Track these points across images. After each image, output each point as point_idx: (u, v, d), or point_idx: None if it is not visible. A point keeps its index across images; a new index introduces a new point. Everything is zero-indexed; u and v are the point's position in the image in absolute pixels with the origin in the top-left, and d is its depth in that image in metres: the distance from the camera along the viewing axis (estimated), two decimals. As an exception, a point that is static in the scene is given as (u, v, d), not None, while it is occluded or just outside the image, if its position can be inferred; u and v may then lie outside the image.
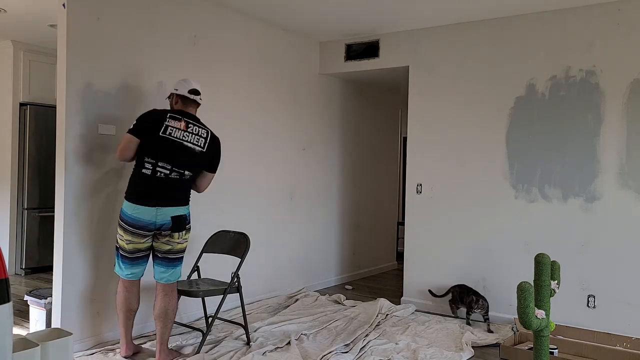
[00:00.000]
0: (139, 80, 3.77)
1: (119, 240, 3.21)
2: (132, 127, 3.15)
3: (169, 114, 3.18)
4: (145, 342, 3.58)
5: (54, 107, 3.66)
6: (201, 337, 3.52)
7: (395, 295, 5.17)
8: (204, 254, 3.93)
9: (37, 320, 3.63)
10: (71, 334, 2.57)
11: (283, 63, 5.02)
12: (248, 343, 3.62)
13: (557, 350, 3.42)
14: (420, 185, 4.81)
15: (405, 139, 7.33)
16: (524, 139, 4.30)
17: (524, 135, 4.30)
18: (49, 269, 5.62)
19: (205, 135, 3.25)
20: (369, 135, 6.25)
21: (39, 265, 5.83)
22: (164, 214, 3.11)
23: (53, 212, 3.48)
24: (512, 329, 4.00)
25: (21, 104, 5.72)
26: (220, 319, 3.85)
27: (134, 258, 3.21)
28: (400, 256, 6.28)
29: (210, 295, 3.52)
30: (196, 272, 3.86)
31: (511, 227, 4.34)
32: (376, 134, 6.39)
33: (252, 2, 4.27)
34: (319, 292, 5.24)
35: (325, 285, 5.60)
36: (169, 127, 3.14)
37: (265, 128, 4.86)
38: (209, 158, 3.29)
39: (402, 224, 5.60)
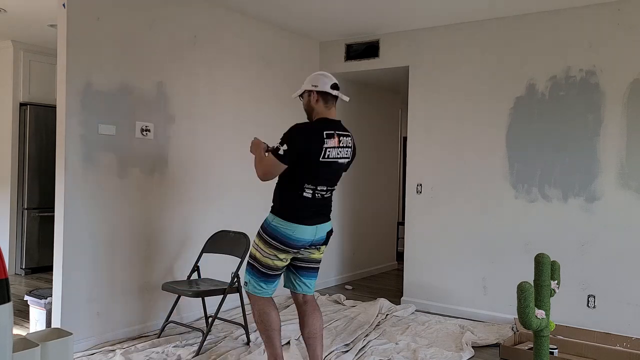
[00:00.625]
0: (139, 80, 3.77)
1: (265, 260, 2.83)
2: (281, 150, 2.72)
3: (325, 133, 2.78)
4: (142, 342, 3.57)
5: (54, 107, 3.66)
6: (201, 337, 3.51)
7: (395, 295, 5.17)
8: (204, 254, 3.92)
9: (37, 320, 3.63)
10: (71, 334, 2.56)
11: (283, 63, 5.02)
12: (248, 343, 3.62)
13: (557, 350, 3.42)
14: (420, 185, 4.81)
15: (405, 139, 7.33)
16: (524, 139, 4.30)
17: (524, 135, 4.30)
18: (49, 269, 5.62)
19: (351, 144, 2.93)
20: (369, 135, 6.25)
21: (39, 265, 5.83)
22: (322, 231, 2.87)
23: (53, 212, 3.48)
24: (512, 329, 4.00)
25: (21, 104, 5.73)
26: (220, 319, 3.83)
27: (280, 274, 2.92)
28: (400, 256, 6.28)
29: (210, 295, 3.52)
30: (196, 272, 3.86)
31: (511, 227, 4.34)
32: (376, 134, 6.38)
33: (253, 2, 4.27)
34: (319, 292, 5.24)
35: (325, 285, 5.60)
36: (327, 149, 2.77)
37: (266, 128, 4.85)
38: (352, 160, 3.02)
39: (402, 224, 5.60)
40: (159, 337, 3.68)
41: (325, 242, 2.94)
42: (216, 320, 3.76)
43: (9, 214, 5.75)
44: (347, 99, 2.98)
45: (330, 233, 2.94)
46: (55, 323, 3.40)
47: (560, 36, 4.15)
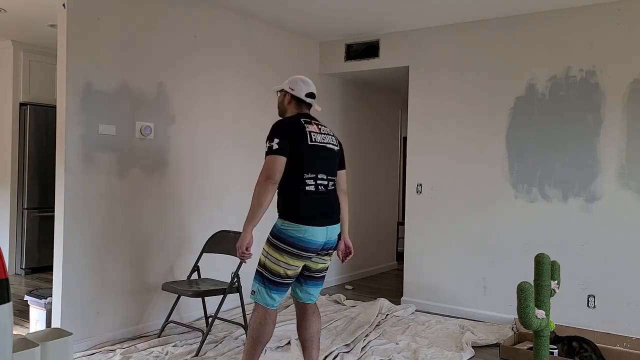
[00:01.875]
0: (139, 80, 3.77)
1: (275, 268, 2.73)
2: (274, 146, 2.69)
3: (301, 120, 2.80)
4: (142, 342, 3.57)
5: (54, 107, 3.67)
6: (201, 337, 3.51)
7: (395, 295, 5.17)
8: (204, 254, 3.92)
9: (37, 320, 3.63)
10: (71, 334, 2.56)
11: (283, 63, 5.02)
12: None
13: (557, 350, 3.42)
14: (420, 185, 4.81)
15: (405, 139, 7.33)
16: (524, 139, 4.30)
17: (524, 135, 4.30)
18: (49, 269, 5.63)
19: (331, 133, 2.92)
20: (369, 135, 6.25)
21: (39, 265, 5.83)
22: (332, 233, 2.79)
23: (53, 212, 3.48)
24: (512, 329, 4.00)
25: (21, 104, 5.72)
26: (220, 318, 3.82)
27: (290, 283, 2.80)
28: (400, 256, 6.28)
29: (210, 295, 3.50)
30: (196, 272, 3.86)
31: (511, 227, 4.34)
32: (376, 134, 6.38)
33: (253, 2, 4.27)
34: (319, 292, 5.24)
35: (325, 285, 5.60)
36: (312, 133, 2.77)
37: (265, 128, 4.84)
38: (341, 154, 2.99)
39: (402, 224, 5.60)
40: (158, 337, 3.68)
41: (336, 247, 2.88)
42: (216, 320, 3.76)
43: (9, 214, 5.75)
44: (319, 109, 2.99)
45: (339, 237, 2.88)
46: (55, 323, 3.40)
47: (560, 36, 4.15)
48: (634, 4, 3.88)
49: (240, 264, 3.55)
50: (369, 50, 5.13)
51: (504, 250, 4.37)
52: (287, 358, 3.37)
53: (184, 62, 4.09)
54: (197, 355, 3.38)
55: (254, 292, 2.79)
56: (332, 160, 2.86)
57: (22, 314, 4.12)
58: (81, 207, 3.45)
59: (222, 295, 3.54)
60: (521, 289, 2.48)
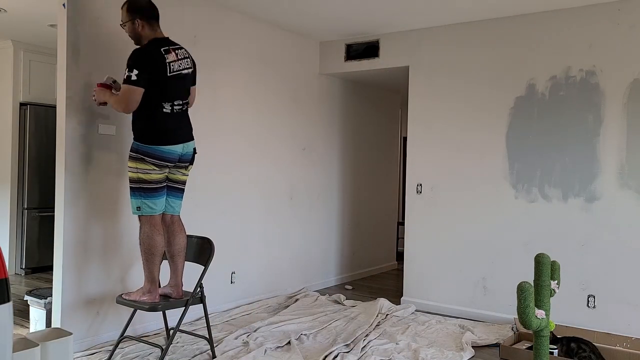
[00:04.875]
0: (139, 80, 3.76)
1: (143, 176, 3.08)
2: (133, 76, 2.93)
3: (162, 50, 3.05)
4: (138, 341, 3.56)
5: (54, 107, 3.66)
6: (160, 353, 3.17)
7: (395, 295, 5.17)
8: (163, 261, 3.42)
9: (37, 320, 3.63)
10: (71, 334, 2.56)
11: (283, 63, 5.02)
12: (213, 357, 3.33)
13: (557, 350, 3.42)
14: (420, 185, 4.81)
15: (405, 139, 7.33)
16: (524, 139, 4.30)
17: (524, 135, 4.30)
18: (49, 269, 5.62)
19: (187, 55, 3.22)
20: (369, 135, 6.25)
21: (39, 265, 5.83)
22: (188, 148, 3.20)
23: (53, 212, 3.48)
24: (512, 329, 4.00)
25: (21, 104, 5.73)
26: (182, 331, 3.51)
27: (163, 187, 3.17)
28: (400, 256, 6.28)
29: (170, 308, 3.22)
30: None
31: (511, 227, 4.34)
32: (376, 134, 6.38)
33: (252, 2, 4.27)
34: (319, 292, 5.24)
35: (325, 285, 5.60)
36: (171, 64, 3.07)
37: (265, 128, 4.86)
38: (194, 73, 3.34)
39: (402, 224, 5.60)
40: (111, 357, 3.26)
41: (191, 161, 3.26)
42: (177, 333, 3.40)
43: (9, 214, 5.75)
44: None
45: (194, 151, 3.27)
46: (55, 323, 3.39)
47: (560, 36, 4.15)
48: (634, 4, 3.88)
49: (204, 272, 3.32)
50: (369, 50, 5.13)
51: (504, 250, 4.37)
52: (288, 358, 3.37)
53: (184, 62, 4.08)
54: None
55: (139, 208, 3.11)
56: (186, 85, 3.20)
57: (22, 314, 4.12)
58: (81, 207, 3.45)
59: (184, 307, 3.20)
60: (521, 289, 2.48)
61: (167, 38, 3.18)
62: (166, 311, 3.53)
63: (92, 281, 3.53)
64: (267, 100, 4.86)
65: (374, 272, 6.36)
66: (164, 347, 3.17)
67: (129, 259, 3.74)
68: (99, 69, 3.52)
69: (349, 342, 3.68)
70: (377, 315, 4.33)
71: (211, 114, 4.32)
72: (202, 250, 3.44)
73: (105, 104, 3.20)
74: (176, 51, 3.12)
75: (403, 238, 5.02)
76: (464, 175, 4.58)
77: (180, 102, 3.15)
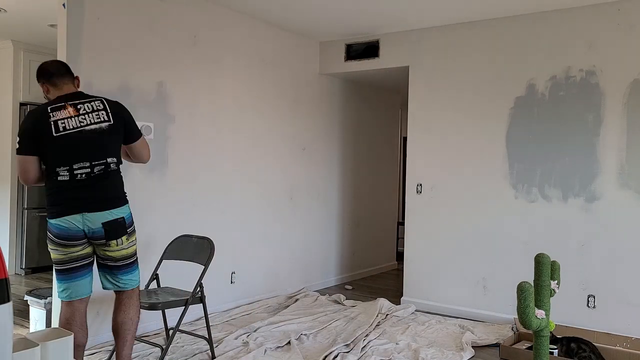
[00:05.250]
0: (139, 80, 3.77)
1: (51, 255, 2.73)
2: (18, 146, 2.63)
3: (48, 108, 2.62)
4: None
5: (54, 107, 3.64)
6: (160, 353, 3.18)
7: (395, 295, 5.17)
8: (163, 260, 3.59)
9: (37, 320, 3.63)
10: (71, 334, 2.56)
11: (283, 63, 5.02)
12: (213, 358, 3.33)
13: (557, 350, 3.42)
14: (420, 185, 4.81)
15: (405, 139, 7.33)
16: (524, 139, 4.30)
17: (524, 135, 4.30)
18: (49, 269, 5.62)
19: (101, 107, 2.69)
20: (369, 135, 6.25)
21: (39, 265, 5.83)
22: (92, 220, 2.63)
23: (53, 212, 3.47)
24: (512, 329, 4.00)
25: (21, 104, 5.72)
26: (182, 331, 3.52)
27: (70, 269, 2.68)
28: (400, 256, 6.28)
29: (170, 307, 3.17)
30: (155, 281, 3.54)
31: (511, 227, 4.34)
32: (376, 134, 6.38)
33: (252, 2, 4.27)
34: (319, 292, 5.24)
35: (325, 285, 5.60)
36: (59, 122, 2.60)
37: (265, 128, 4.86)
38: (121, 126, 2.74)
39: (402, 224, 5.60)
40: (110, 357, 3.25)
41: (111, 237, 2.66)
42: (177, 333, 3.44)
43: (9, 214, 5.75)
44: (74, 74, 2.83)
45: (111, 224, 2.65)
46: (55, 323, 3.39)
47: (560, 36, 4.15)
48: (634, 4, 3.88)
49: (204, 271, 3.31)
50: (369, 50, 5.13)
51: (504, 250, 4.37)
52: (288, 358, 3.36)
53: (184, 62, 4.09)
54: None
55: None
56: (98, 143, 2.64)
57: (22, 314, 4.12)
58: (81, 207, 3.44)
59: (184, 307, 3.19)
60: (521, 289, 2.48)
61: (75, 93, 2.72)
62: (166, 311, 3.52)
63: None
64: (267, 100, 4.86)
65: (374, 272, 6.36)
66: (164, 347, 3.16)
67: (129, 259, 3.73)
68: (99, 69, 3.52)
69: (349, 342, 3.68)
70: (377, 315, 4.33)
71: (211, 114, 4.32)
72: (202, 250, 3.43)
73: None
74: (78, 105, 2.65)
75: (403, 238, 5.02)
76: (464, 175, 4.58)
77: (89, 164, 2.61)
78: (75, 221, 2.62)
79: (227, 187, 4.47)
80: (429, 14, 4.42)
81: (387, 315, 4.41)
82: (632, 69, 3.88)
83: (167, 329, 3.59)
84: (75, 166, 2.60)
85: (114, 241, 2.68)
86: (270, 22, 4.79)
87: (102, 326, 3.58)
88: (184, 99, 4.09)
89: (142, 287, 3.60)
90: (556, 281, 2.81)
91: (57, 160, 2.60)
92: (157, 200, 3.90)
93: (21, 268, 5.77)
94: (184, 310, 3.20)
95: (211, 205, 4.32)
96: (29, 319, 3.75)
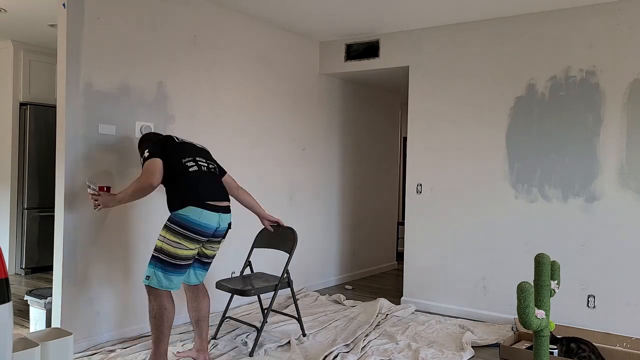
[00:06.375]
0: (139, 80, 3.77)
1: (174, 250, 2.93)
2: (148, 152, 3.02)
3: (172, 135, 3.25)
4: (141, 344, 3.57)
5: (54, 107, 3.66)
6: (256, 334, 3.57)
7: (395, 295, 5.17)
8: (254, 249, 3.99)
9: (37, 320, 3.63)
10: (71, 334, 2.57)
11: (283, 63, 5.02)
12: (304, 335, 3.81)
13: (557, 350, 3.42)
14: (420, 185, 4.81)
15: (405, 139, 7.34)
16: (524, 139, 4.30)
17: (524, 135, 4.30)
18: (49, 269, 5.63)
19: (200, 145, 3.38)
20: (369, 135, 6.25)
21: (39, 265, 5.83)
22: (224, 221, 3.07)
23: (53, 212, 3.49)
24: (512, 329, 4.00)
25: (21, 104, 5.72)
26: (275, 311, 4.06)
27: (188, 265, 3.03)
28: (400, 256, 6.28)
29: (261, 292, 3.55)
30: (249, 267, 3.91)
31: (511, 227, 4.34)
32: (376, 134, 6.39)
33: (253, 2, 4.27)
34: (319, 292, 5.24)
35: (325, 285, 5.60)
36: (176, 137, 3.21)
37: (265, 128, 4.86)
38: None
39: (402, 224, 5.60)
40: (215, 337, 3.70)
41: (224, 236, 3.13)
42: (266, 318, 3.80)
43: (9, 214, 5.75)
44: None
45: (229, 226, 3.12)
46: (55, 323, 3.39)
47: (560, 36, 4.15)
48: (634, 4, 3.88)
49: (289, 259, 3.68)
50: (369, 50, 5.13)
51: (504, 250, 4.37)
52: (288, 358, 3.37)
53: (184, 62, 4.09)
54: (253, 351, 3.43)
55: (149, 277, 2.96)
56: (203, 153, 3.21)
57: (22, 313, 4.12)
58: (81, 207, 3.45)
59: (274, 291, 3.60)
60: (521, 289, 2.48)
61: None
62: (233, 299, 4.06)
63: (92, 281, 3.53)
64: (267, 100, 4.86)
65: (374, 272, 6.36)
66: (258, 327, 3.56)
67: (129, 259, 3.74)
68: (99, 69, 3.52)
69: (349, 342, 3.68)
70: (377, 315, 4.33)
71: (211, 114, 4.32)
72: (286, 239, 3.78)
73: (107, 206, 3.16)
74: (184, 141, 3.24)
75: (403, 238, 5.02)
76: (464, 175, 4.58)
77: (204, 160, 3.15)
78: (213, 219, 2.99)
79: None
80: (429, 14, 4.42)
81: (387, 315, 4.41)
82: (632, 69, 3.89)
83: (262, 310, 4.05)
84: (197, 158, 3.10)
85: (223, 240, 3.17)
86: (270, 22, 4.79)
87: (102, 326, 3.58)
88: (184, 99, 4.09)
89: (237, 273, 4.14)
90: (556, 281, 2.81)
91: (182, 155, 3.07)
92: (157, 200, 3.90)
93: (21, 268, 5.77)
94: (274, 294, 3.59)
95: (211, 205, 4.32)
96: (29, 319, 3.76)
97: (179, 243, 2.92)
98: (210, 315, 3.65)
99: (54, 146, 3.55)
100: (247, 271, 3.86)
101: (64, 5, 3.35)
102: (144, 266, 3.83)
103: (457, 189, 4.61)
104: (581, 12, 4.07)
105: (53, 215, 3.48)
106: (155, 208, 3.90)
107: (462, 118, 4.59)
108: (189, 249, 2.96)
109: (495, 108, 4.43)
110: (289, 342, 3.65)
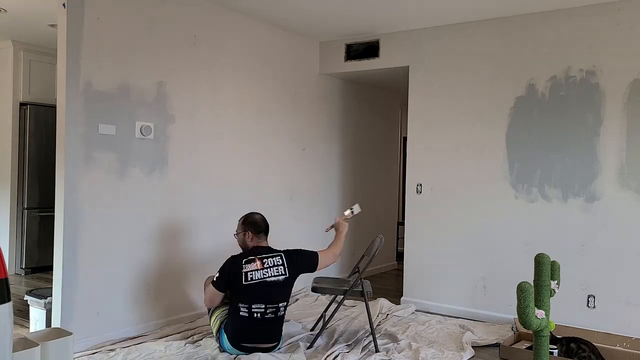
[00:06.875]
0: (139, 80, 3.77)
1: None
2: (215, 279, 3.35)
3: (243, 261, 3.35)
4: (146, 341, 3.57)
5: (54, 107, 3.66)
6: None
7: (395, 295, 5.17)
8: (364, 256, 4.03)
9: (37, 320, 3.63)
10: (71, 333, 2.57)
11: (283, 63, 5.02)
12: (374, 325, 3.76)
13: (557, 350, 3.42)
14: (420, 185, 4.81)
15: (405, 139, 7.33)
16: (524, 139, 4.30)
17: (524, 135, 4.30)
18: (49, 269, 5.62)
19: (281, 262, 3.41)
20: (369, 135, 6.25)
21: (39, 265, 5.83)
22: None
23: (53, 212, 3.48)
24: (512, 329, 4.00)
25: (21, 104, 5.73)
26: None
27: None
28: (400, 256, 6.28)
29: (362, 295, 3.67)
30: (357, 273, 3.92)
31: (511, 227, 4.34)
32: (376, 134, 6.39)
33: (252, 2, 4.27)
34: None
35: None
36: (249, 274, 3.30)
37: (265, 128, 4.86)
38: (296, 273, 3.46)
39: (402, 224, 5.60)
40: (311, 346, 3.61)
41: None
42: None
43: (9, 214, 5.75)
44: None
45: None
46: (55, 323, 3.39)
47: (560, 36, 4.15)
48: (634, 4, 3.88)
49: (369, 261, 3.80)
50: (369, 50, 5.13)
51: (504, 250, 4.37)
52: (288, 358, 3.36)
53: (184, 62, 4.09)
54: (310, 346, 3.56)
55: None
56: (273, 290, 3.34)
57: (22, 313, 4.13)
58: (81, 207, 3.45)
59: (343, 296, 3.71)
60: (521, 289, 2.48)
61: (266, 247, 3.47)
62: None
63: (92, 281, 3.53)
64: (267, 100, 4.86)
65: (374, 272, 6.36)
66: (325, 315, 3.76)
67: (129, 259, 3.74)
68: (99, 69, 3.52)
69: (350, 342, 3.68)
70: (377, 315, 4.33)
71: (211, 114, 4.32)
72: (373, 244, 3.89)
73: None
74: (264, 260, 3.38)
75: (403, 238, 5.02)
76: (464, 175, 4.58)
77: (264, 307, 3.31)
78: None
79: (227, 187, 4.46)
80: (429, 14, 4.42)
81: (387, 315, 4.41)
82: (632, 69, 3.88)
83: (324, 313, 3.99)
84: (254, 306, 3.30)
85: None
86: (270, 22, 4.79)
87: (102, 326, 3.58)
88: (184, 99, 4.09)
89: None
90: (556, 281, 2.81)
91: (241, 299, 3.30)
92: (157, 200, 3.90)
93: (21, 268, 5.77)
94: (342, 297, 3.75)
95: (211, 206, 4.32)
96: (29, 319, 3.76)
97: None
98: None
99: (54, 146, 3.55)
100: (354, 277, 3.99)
101: (64, 5, 3.35)
102: (144, 265, 3.84)
103: (457, 189, 4.61)
104: (581, 12, 4.07)
105: (53, 215, 3.48)
106: (154, 208, 3.90)
107: (462, 118, 4.59)
108: None
109: (496, 108, 4.43)
110: (289, 342, 3.64)
